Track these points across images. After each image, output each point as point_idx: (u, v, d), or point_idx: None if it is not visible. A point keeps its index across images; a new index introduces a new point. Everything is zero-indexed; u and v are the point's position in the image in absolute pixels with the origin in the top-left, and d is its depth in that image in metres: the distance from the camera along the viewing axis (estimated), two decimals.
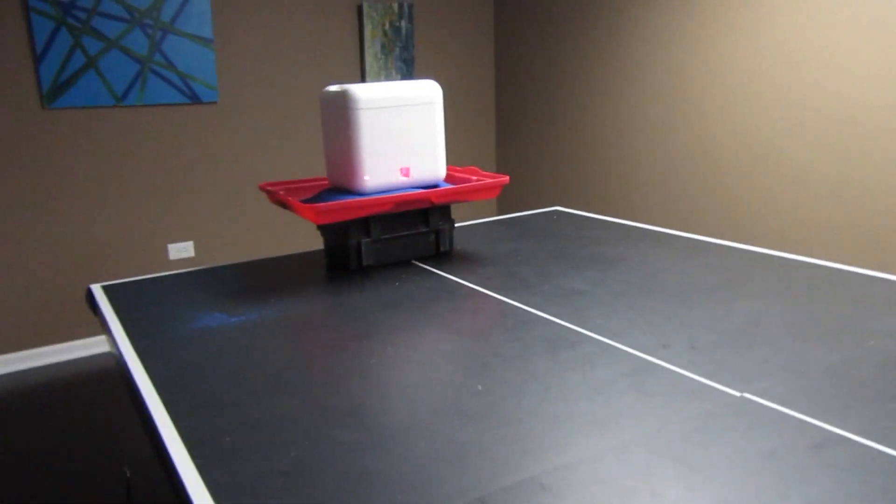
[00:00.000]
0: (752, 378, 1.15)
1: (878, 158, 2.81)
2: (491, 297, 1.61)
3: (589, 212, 4.22)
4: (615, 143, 4.00)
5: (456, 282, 1.74)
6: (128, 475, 2.49)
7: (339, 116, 1.82)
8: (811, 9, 2.96)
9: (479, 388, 1.15)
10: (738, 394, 1.10)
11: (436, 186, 1.97)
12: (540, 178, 4.61)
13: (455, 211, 4.81)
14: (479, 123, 4.85)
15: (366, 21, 4.26)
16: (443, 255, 2.00)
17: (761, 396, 1.08)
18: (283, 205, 1.86)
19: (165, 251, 3.82)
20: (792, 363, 1.20)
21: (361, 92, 1.79)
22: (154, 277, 1.90)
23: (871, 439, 0.95)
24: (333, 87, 1.86)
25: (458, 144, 4.78)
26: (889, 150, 2.78)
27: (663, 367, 1.20)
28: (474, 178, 2.07)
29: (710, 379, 1.15)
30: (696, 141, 3.53)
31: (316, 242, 4.33)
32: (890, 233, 2.81)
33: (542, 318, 1.47)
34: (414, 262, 1.94)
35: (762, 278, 1.66)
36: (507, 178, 1.97)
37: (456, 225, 2.40)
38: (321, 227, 1.97)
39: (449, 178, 2.15)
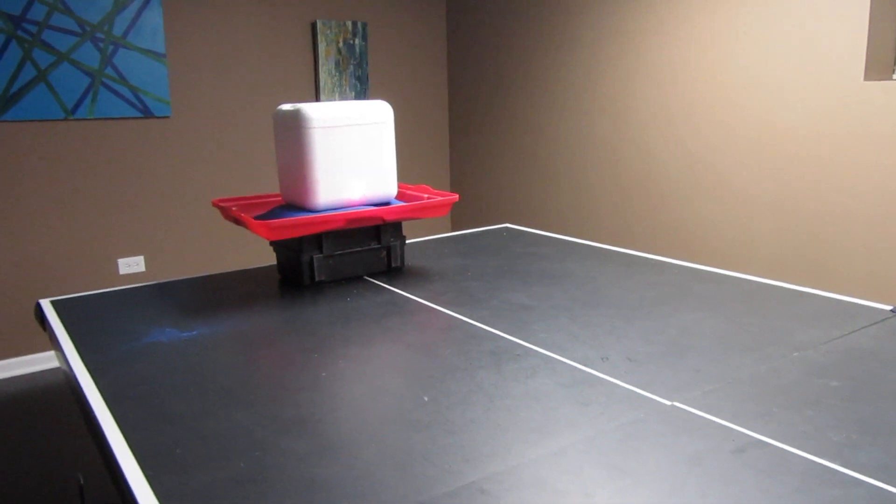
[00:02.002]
0: (683, 388, 1.22)
1: (811, 180, 2.96)
2: (440, 311, 1.66)
3: (539, 229, 4.32)
4: (565, 162, 4.10)
5: (406, 297, 1.78)
6: (81, 482, 2.45)
7: (292, 135, 1.86)
8: (750, 33, 3.11)
9: (426, 399, 1.20)
10: (668, 402, 1.16)
11: (387, 204, 2.01)
12: (492, 195, 4.70)
13: (407, 228, 4.86)
14: (433, 141, 4.92)
15: (320, 38, 4.30)
16: (394, 270, 2.04)
17: (690, 405, 1.15)
18: (237, 221, 1.88)
19: (115, 265, 3.77)
20: (720, 373, 1.28)
21: (314, 112, 1.83)
22: (104, 292, 1.89)
23: (789, 443, 1.03)
24: (286, 106, 1.90)
25: (412, 161, 4.84)
26: (823, 172, 2.93)
27: (601, 378, 1.27)
28: (425, 196, 2.12)
29: (644, 389, 1.22)
30: (640, 161, 3.65)
31: (268, 258, 4.32)
32: (820, 250, 2.96)
33: (489, 332, 1.52)
34: (366, 277, 1.98)
35: (698, 293, 1.75)
36: (456, 196, 2.02)
37: (408, 241, 2.45)
38: (274, 243, 2.00)
39: (400, 196, 2.20)
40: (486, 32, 4.55)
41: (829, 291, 2.65)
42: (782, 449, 1.01)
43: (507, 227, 2.64)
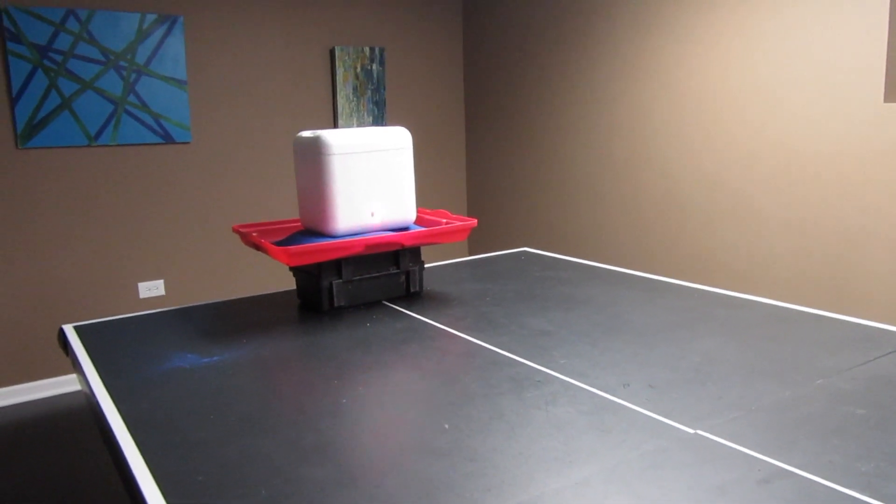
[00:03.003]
0: (706, 415, 1.20)
1: (832, 202, 2.94)
2: (460, 337, 1.66)
3: (556, 253, 4.31)
4: (583, 186, 4.10)
5: (425, 322, 1.78)
6: None
7: (312, 162, 1.88)
8: (769, 56, 3.11)
9: (447, 426, 1.19)
10: (691, 430, 1.15)
11: (406, 229, 2.02)
12: (509, 219, 4.70)
13: (425, 252, 4.87)
14: (450, 165, 4.95)
15: (338, 64, 4.35)
16: (413, 295, 2.04)
17: (713, 433, 1.14)
18: (256, 247, 1.90)
19: (136, 289, 3.81)
20: (743, 400, 1.26)
21: (333, 138, 1.85)
22: (126, 318, 1.91)
23: (814, 473, 1.01)
24: (306, 133, 1.92)
25: (430, 185, 4.86)
26: (844, 195, 2.90)
27: (623, 406, 1.26)
28: (444, 220, 2.13)
29: (666, 416, 1.20)
30: (659, 184, 3.65)
31: (288, 283, 4.34)
32: (843, 275, 2.92)
33: (509, 358, 1.51)
34: (385, 302, 1.98)
35: (720, 318, 1.74)
36: (475, 221, 2.03)
37: (426, 266, 2.46)
38: (294, 269, 2.01)
39: (419, 221, 2.21)
40: (502, 57, 4.59)
41: (852, 316, 2.61)
42: (809, 479, 0.99)
43: (525, 251, 2.64)
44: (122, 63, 3.59)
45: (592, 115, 3.98)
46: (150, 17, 3.63)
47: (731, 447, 1.09)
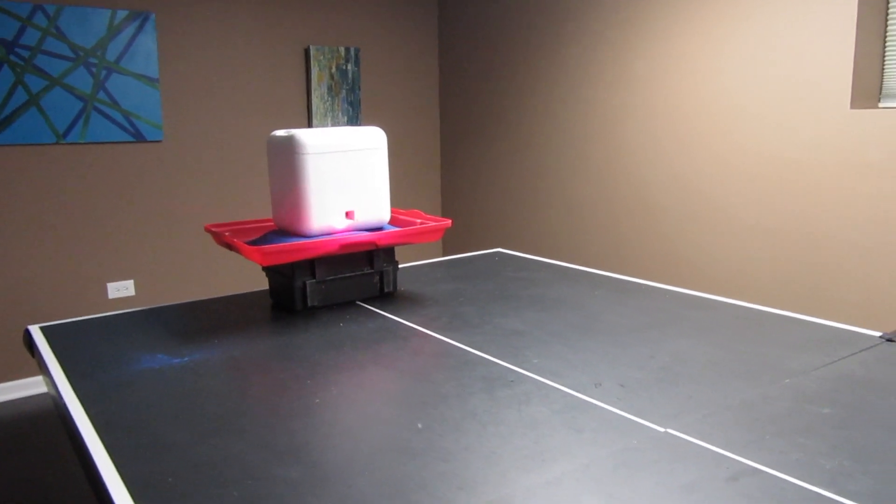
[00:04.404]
0: (676, 414, 1.22)
1: (801, 206, 2.99)
2: (433, 337, 1.66)
3: (530, 254, 4.33)
4: (557, 188, 4.13)
5: (399, 322, 1.78)
6: None
7: (286, 161, 1.87)
8: (739, 63, 3.16)
9: (419, 426, 1.19)
10: (662, 429, 1.17)
11: (380, 229, 2.02)
12: (484, 220, 4.71)
13: (399, 252, 4.86)
14: (425, 165, 4.95)
15: (313, 64, 4.33)
16: (387, 295, 2.04)
17: (683, 432, 1.15)
18: (229, 246, 1.88)
19: (105, 290, 3.75)
20: (713, 400, 1.28)
21: (308, 138, 1.84)
22: (94, 318, 1.88)
23: (781, 471, 1.03)
24: (280, 133, 1.91)
25: (404, 186, 4.86)
26: (812, 199, 2.96)
27: (594, 405, 1.27)
28: (418, 221, 2.13)
29: (637, 416, 1.22)
30: (632, 187, 3.68)
31: (261, 283, 4.31)
32: (812, 277, 2.98)
33: (483, 357, 1.52)
34: (358, 302, 1.97)
35: (691, 319, 1.76)
36: (449, 221, 2.03)
37: (400, 266, 2.45)
38: (267, 269, 2.00)
39: (393, 221, 2.21)
40: (477, 58, 4.60)
41: (820, 318, 2.66)
42: (776, 476, 1.01)
43: (498, 252, 2.65)
44: (91, 60, 3.53)
45: (567, 118, 4.01)
46: (121, 14, 3.58)
47: (700, 445, 1.11)
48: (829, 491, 0.97)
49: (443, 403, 1.29)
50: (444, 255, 5.18)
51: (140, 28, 3.64)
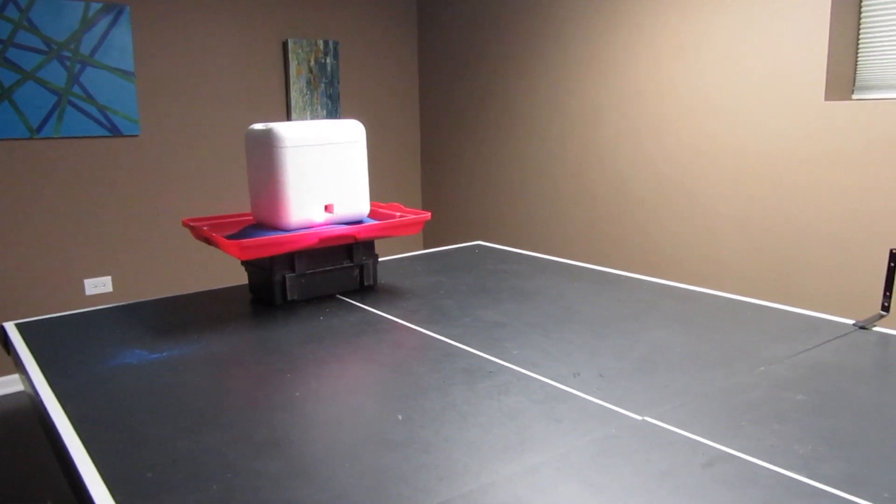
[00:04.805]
0: (653, 403, 1.24)
1: (776, 197, 3.03)
2: (413, 329, 1.66)
3: (510, 246, 4.34)
4: (536, 181, 4.15)
5: (379, 315, 1.78)
6: None
7: (264, 155, 1.86)
8: (714, 57, 3.18)
9: (400, 418, 1.20)
10: (639, 417, 1.18)
11: (360, 222, 2.02)
12: (464, 213, 4.72)
13: (380, 245, 4.86)
14: (404, 158, 4.94)
15: (291, 57, 4.30)
16: (367, 289, 2.04)
17: (660, 419, 1.17)
18: (208, 241, 1.87)
19: (82, 286, 3.71)
20: (689, 388, 1.30)
21: (286, 131, 1.83)
22: (71, 314, 1.86)
23: (755, 456, 1.05)
24: (258, 126, 1.90)
25: (384, 179, 4.85)
26: (787, 191, 3.00)
27: (573, 395, 1.28)
28: (397, 214, 2.13)
29: (615, 404, 1.23)
30: (610, 180, 3.71)
31: (240, 278, 4.29)
32: (787, 267, 3.02)
33: (463, 349, 1.53)
34: (338, 296, 1.97)
35: (668, 309, 1.78)
36: (428, 214, 2.04)
37: (380, 259, 2.45)
38: (246, 263, 1.99)
39: (372, 214, 2.21)
40: (457, 52, 4.60)
41: (795, 307, 2.70)
42: (750, 462, 1.03)
43: (479, 245, 2.66)
44: (65, 53, 3.48)
45: (547, 111, 4.02)
46: (95, 6, 3.53)
47: (677, 433, 1.12)
48: (802, 475, 0.99)
49: (423, 395, 1.29)
50: (424, 249, 5.17)
51: (114, 21, 3.59)
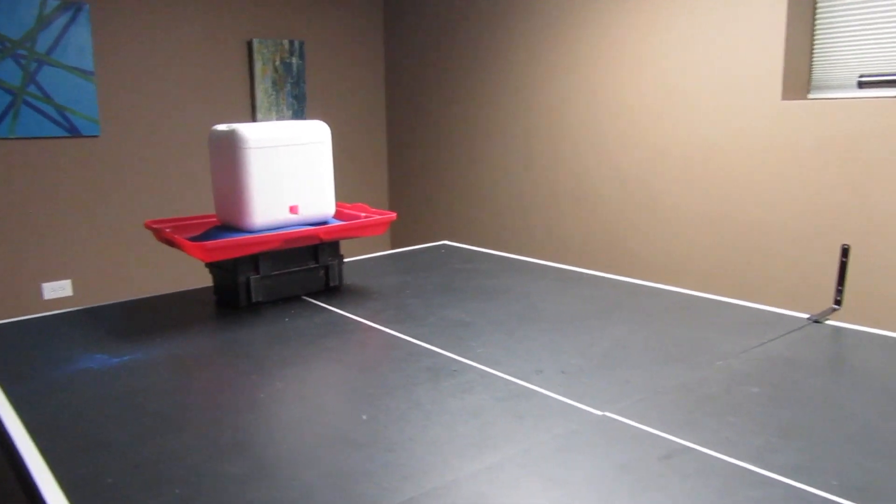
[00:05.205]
0: (614, 398, 1.26)
1: (736, 195, 3.09)
2: (379, 330, 1.67)
3: (477, 246, 4.37)
4: (502, 180, 4.17)
5: (345, 316, 1.78)
6: None
7: (227, 156, 1.85)
8: (675, 57, 3.24)
9: (364, 417, 1.20)
10: (600, 413, 1.20)
11: (325, 223, 2.01)
12: (431, 213, 4.73)
13: (346, 246, 4.85)
14: (371, 159, 4.93)
15: (256, 57, 4.27)
16: (332, 290, 2.04)
17: (620, 415, 1.19)
18: (171, 243, 1.85)
19: (39, 290, 3.64)
20: (649, 383, 1.32)
21: (249, 132, 1.82)
22: (28, 319, 1.83)
23: (711, 448, 1.08)
24: (221, 127, 1.88)
25: (350, 180, 4.84)
26: (746, 187, 3.06)
27: (536, 392, 1.30)
28: (363, 214, 2.13)
29: (577, 400, 1.25)
30: (575, 179, 3.75)
31: (204, 280, 4.24)
32: (745, 263, 3.08)
33: (427, 349, 1.54)
34: (304, 297, 1.97)
35: (630, 307, 1.81)
36: (394, 214, 2.04)
37: (346, 260, 2.45)
38: (210, 265, 1.97)
39: (338, 215, 2.20)
40: (423, 53, 4.61)
41: (753, 302, 2.76)
42: (706, 454, 1.06)
43: (445, 244, 2.67)
44: (20, 51, 3.41)
45: (512, 112, 4.05)
46: (52, 4, 3.47)
47: (636, 427, 1.15)
48: (755, 465, 1.02)
49: (388, 395, 1.30)
50: (391, 249, 5.17)
51: (73, 19, 3.53)
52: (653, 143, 3.35)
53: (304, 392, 1.32)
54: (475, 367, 1.42)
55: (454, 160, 4.47)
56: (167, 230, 1.93)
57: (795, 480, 0.99)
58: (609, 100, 3.51)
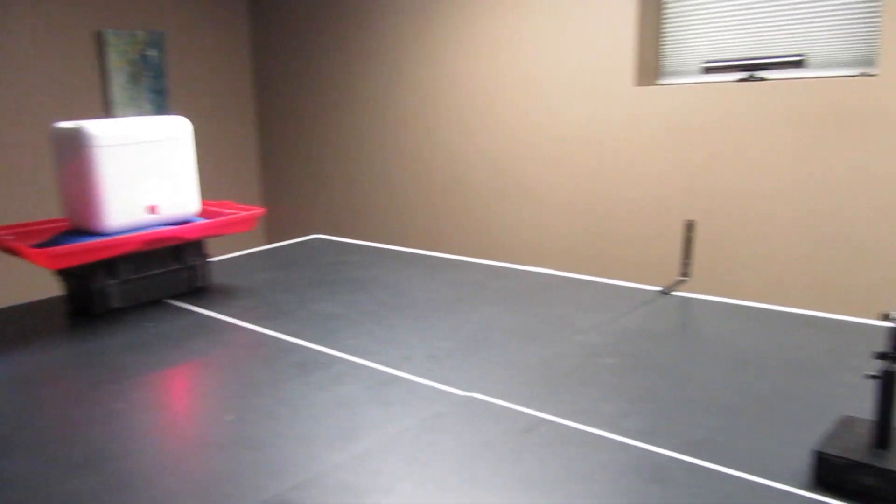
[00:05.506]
0: (479, 378, 1.30)
1: (593, 178, 3.25)
2: (246, 328, 1.64)
3: (356, 238, 4.35)
4: (377, 172, 4.17)
5: (211, 317, 1.73)
6: None
7: (74, 155, 1.74)
8: (533, 45, 3.35)
9: (229, 418, 1.18)
10: (465, 394, 1.24)
11: (188, 222, 1.94)
12: (307, 207, 4.66)
13: (217, 244, 4.69)
14: (241, 154, 4.79)
15: (108, 50, 4.04)
16: (199, 290, 1.97)
17: (484, 394, 1.24)
18: (13, 251, 1.72)
19: None
20: (513, 362, 1.38)
21: (97, 129, 1.73)
22: None
23: (567, 419, 1.14)
24: (65, 124, 1.77)
25: (219, 176, 4.68)
26: (602, 169, 3.22)
27: (404, 378, 1.32)
28: (228, 211, 2.07)
29: (443, 383, 1.29)
30: (446, 169, 3.81)
31: (56, 289, 3.98)
32: (603, 242, 3.25)
33: (296, 344, 1.52)
34: (167, 300, 1.89)
35: (496, 289, 1.87)
36: (262, 210, 2.00)
37: (215, 259, 2.38)
38: (62, 272, 1.86)
39: (204, 213, 2.13)
40: (291, 43, 4.51)
41: (613, 279, 2.90)
42: (563, 424, 1.12)
43: (317, 238, 2.65)
44: None
45: (383, 103, 4.05)
46: None
47: (499, 404, 1.19)
48: (607, 431, 1.09)
49: (255, 393, 1.28)
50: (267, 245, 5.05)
51: None
52: (516, 130, 3.46)
53: (167, 398, 1.27)
54: (344, 359, 1.42)
55: (328, 152, 4.43)
56: (7, 237, 1.80)
57: (643, 442, 1.06)
58: (473, 90, 3.58)
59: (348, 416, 1.17)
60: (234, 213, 2.02)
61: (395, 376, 1.33)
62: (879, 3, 2.66)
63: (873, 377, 0.95)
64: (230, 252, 2.32)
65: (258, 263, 2.29)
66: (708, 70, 3.03)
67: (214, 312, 1.77)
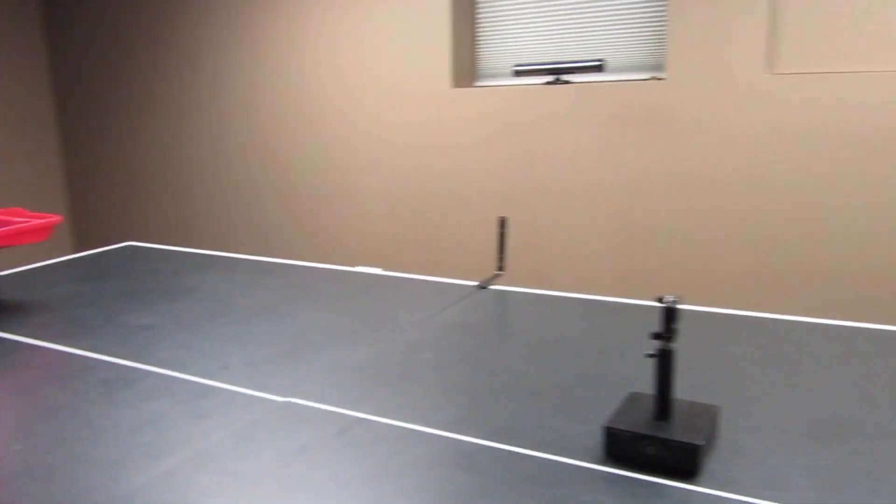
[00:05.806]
0: (297, 383, 1.29)
1: (415, 177, 3.32)
2: (42, 347, 1.51)
3: (174, 243, 4.14)
4: (197, 175, 3.99)
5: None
6: None
7: None
8: (354, 46, 3.35)
9: (18, 448, 1.08)
10: (283, 399, 1.23)
11: None
12: (121, 214, 4.35)
13: (8, 257, 4.27)
14: (39, 160, 4.38)
15: None
16: None
17: (302, 398, 1.23)
18: None
19: None
20: (334, 364, 1.38)
21: None
22: None
23: (383, 416, 1.16)
24: None
25: (14, 184, 4.25)
26: (426, 167, 3.30)
27: (220, 388, 1.28)
28: (20, 220, 1.89)
29: (261, 391, 1.26)
30: (270, 170, 3.72)
31: None
32: (432, 239, 3.34)
33: (102, 360, 1.43)
34: None
35: (320, 292, 1.86)
36: (57, 217, 1.85)
37: (5, 272, 2.16)
38: None
39: None
40: (94, 42, 4.18)
41: (438, 276, 3.00)
42: (378, 422, 1.14)
43: (131, 245, 2.49)
44: None
45: (200, 105, 3.88)
46: None
47: (317, 408, 1.19)
48: (421, 425, 1.13)
49: (51, 418, 1.18)
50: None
51: None
52: (338, 132, 3.46)
53: None
54: (156, 373, 1.35)
55: (142, 156, 4.16)
56: None
57: (455, 433, 1.11)
58: (295, 91, 3.53)
59: (157, 434, 1.12)
60: (25, 222, 1.85)
61: (211, 387, 1.29)
62: (666, 15, 2.94)
63: (652, 356, 1.06)
64: (21, 265, 2.12)
65: (60, 275, 2.11)
66: (518, 73, 3.20)
67: (2, 333, 1.61)
